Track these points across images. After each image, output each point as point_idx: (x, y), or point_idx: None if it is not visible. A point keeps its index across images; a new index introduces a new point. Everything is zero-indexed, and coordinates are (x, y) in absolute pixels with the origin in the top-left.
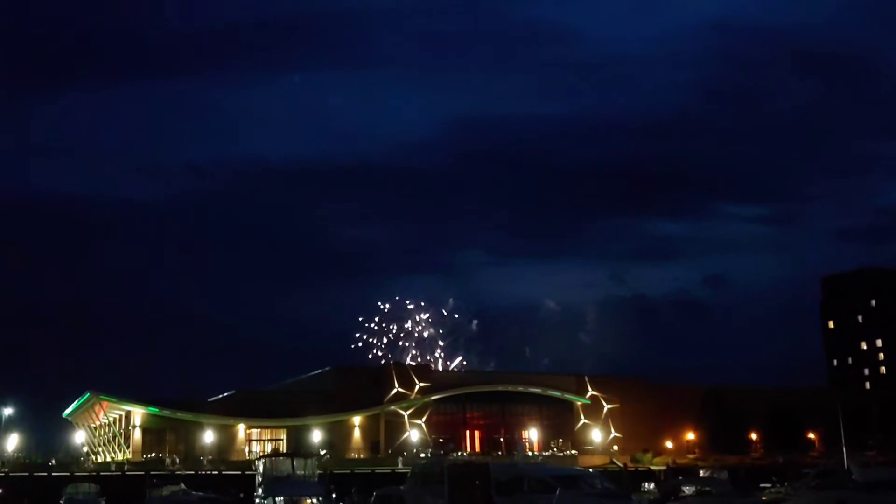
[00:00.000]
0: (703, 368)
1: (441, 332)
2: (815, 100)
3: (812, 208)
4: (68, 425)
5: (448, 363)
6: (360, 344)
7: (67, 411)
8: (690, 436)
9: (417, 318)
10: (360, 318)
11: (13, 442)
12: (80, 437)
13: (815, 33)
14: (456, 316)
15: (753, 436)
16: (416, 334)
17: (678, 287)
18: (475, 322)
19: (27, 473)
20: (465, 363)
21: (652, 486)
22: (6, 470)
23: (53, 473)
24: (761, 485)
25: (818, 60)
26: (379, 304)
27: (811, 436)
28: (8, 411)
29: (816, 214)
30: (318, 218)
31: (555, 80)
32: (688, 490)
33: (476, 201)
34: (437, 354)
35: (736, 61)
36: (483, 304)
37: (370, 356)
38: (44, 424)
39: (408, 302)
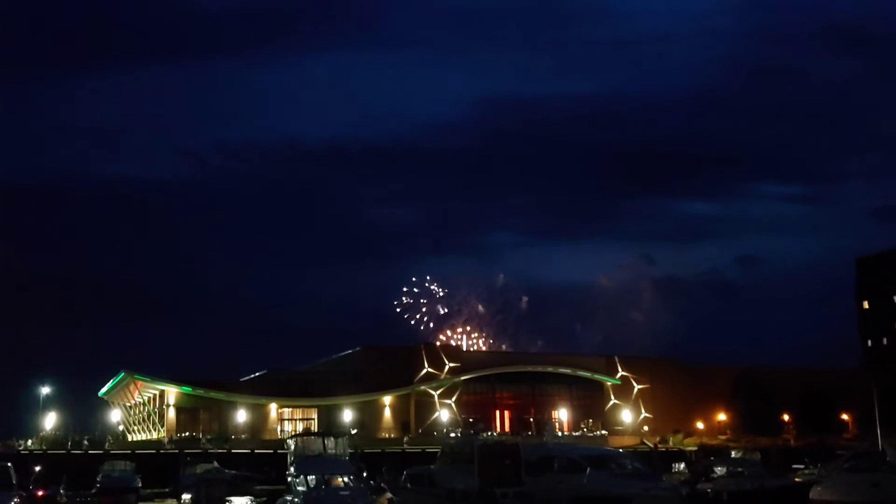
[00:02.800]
0: (735, 349)
1: (479, 311)
2: (850, 77)
3: (846, 187)
4: (104, 404)
5: (472, 345)
6: (391, 324)
7: (103, 390)
8: (722, 417)
9: (449, 299)
10: (391, 299)
11: (51, 420)
12: (115, 415)
13: (850, 9)
14: (474, 299)
15: (786, 417)
16: (447, 315)
17: (710, 267)
18: (525, 300)
19: (64, 451)
20: (518, 341)
21: (683, 466)
22: (44, 448)
23: (90, 451)
24: (794, 466)
25: (853, 37)
26: (413, 280)
27: (845, 417)
28: (46, 390)
29: (851, 194)
30: (348, 198)
31: (585, 59)
32: (719, 471)
33: (506, 182)
34: (473, 335)
35: (769, 38)
36: (513, 285)
37: (401, 336)
38: (80, 403)
39: (437, 282)
